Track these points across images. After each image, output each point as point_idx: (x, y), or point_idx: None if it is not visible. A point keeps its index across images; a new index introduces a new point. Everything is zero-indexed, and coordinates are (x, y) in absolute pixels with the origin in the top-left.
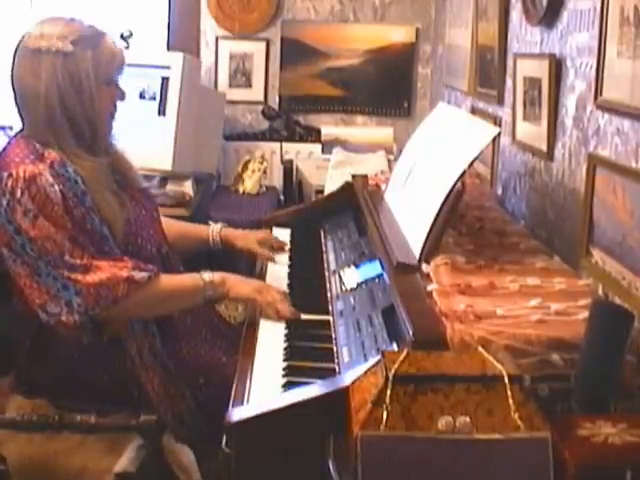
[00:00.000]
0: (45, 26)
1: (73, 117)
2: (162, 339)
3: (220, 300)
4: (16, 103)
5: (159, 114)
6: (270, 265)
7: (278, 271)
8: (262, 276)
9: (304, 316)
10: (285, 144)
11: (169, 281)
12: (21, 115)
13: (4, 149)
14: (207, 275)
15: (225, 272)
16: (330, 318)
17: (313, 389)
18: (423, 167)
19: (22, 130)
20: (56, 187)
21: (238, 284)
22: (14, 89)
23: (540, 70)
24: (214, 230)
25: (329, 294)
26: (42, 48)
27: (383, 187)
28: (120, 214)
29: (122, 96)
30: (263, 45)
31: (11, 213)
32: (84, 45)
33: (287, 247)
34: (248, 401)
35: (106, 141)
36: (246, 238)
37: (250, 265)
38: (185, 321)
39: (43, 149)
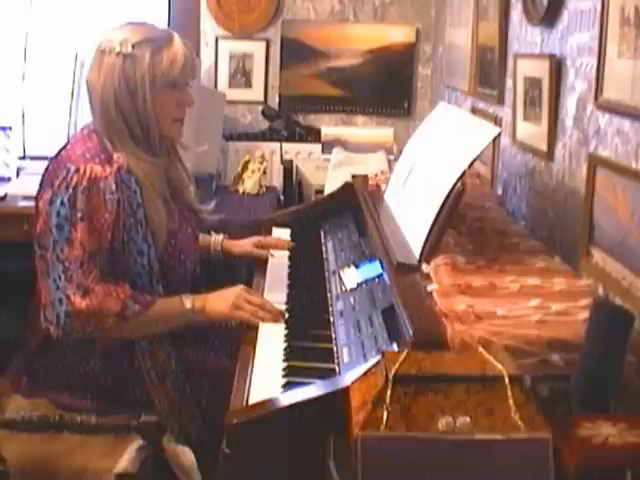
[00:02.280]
0: (117, 29)
1: (127, 118)
2: (177, 352)
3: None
4: (88, 100)
5: None
6: (270, 266)
7: (278, 272)
8: (261, 281)
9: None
10: (285, 144)
11: (156, 309)
12: (91, 110)
13: (73, 138)
14: (188, 302)
15: (209, 290)
16: (330, 318)
17: (313, 389)
18: (423, 167)
19: (91, 123)
20: (115, 196)
21: (216, 305)
22: (86, 88)
23: (540, 70)
24: (215, 241)
25: (329, 294)
26: (106, 49)
27: (383, 187)
28: (165, 223)
29: (190, 101)
30: (263, 45)
31: (68, 207)
32: (144, 48)
33: (289, 243)
34: (248, 402)
35: (164, 144)
36: (243, 244)
37: (250, 269)
38: (195, 331)
39: (113, 150)
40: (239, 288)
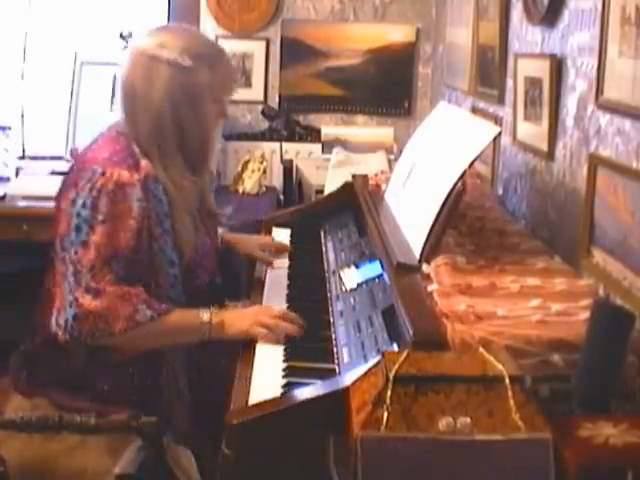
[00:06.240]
0: (164, 35)
1: (183, 131)
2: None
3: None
4: (122, 103)
5: None
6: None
7: (278, 272)
8: (261, 281)
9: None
10: (285, 144)
11: (170, 320)
12: (125, 114)
13: (100, 139)
14: (206, 314)
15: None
16: (330, 318)
17: (313, 390)
18: (424, 167)
19: (117, 124)
20: (143, 203)
21: (236, 322)
22: (122, 89)
23: (541, 70)
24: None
25: (329, 294)
26: (161, 57)
27: (383, 187)
28: (193, 237)
29: (225, 115)
30: (263, 45)
31: (90, 209)
32: (203, 62)
33: (288, 249)
34: (248, 402)
35: (210, 159)
36: (248, 243)
37: (250, 268)
38: None
39: (141, 156)
40: (262, 306)
